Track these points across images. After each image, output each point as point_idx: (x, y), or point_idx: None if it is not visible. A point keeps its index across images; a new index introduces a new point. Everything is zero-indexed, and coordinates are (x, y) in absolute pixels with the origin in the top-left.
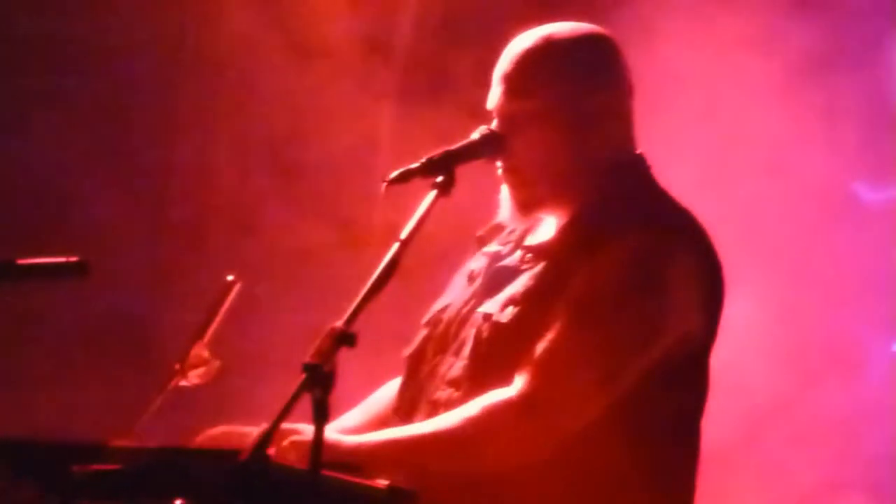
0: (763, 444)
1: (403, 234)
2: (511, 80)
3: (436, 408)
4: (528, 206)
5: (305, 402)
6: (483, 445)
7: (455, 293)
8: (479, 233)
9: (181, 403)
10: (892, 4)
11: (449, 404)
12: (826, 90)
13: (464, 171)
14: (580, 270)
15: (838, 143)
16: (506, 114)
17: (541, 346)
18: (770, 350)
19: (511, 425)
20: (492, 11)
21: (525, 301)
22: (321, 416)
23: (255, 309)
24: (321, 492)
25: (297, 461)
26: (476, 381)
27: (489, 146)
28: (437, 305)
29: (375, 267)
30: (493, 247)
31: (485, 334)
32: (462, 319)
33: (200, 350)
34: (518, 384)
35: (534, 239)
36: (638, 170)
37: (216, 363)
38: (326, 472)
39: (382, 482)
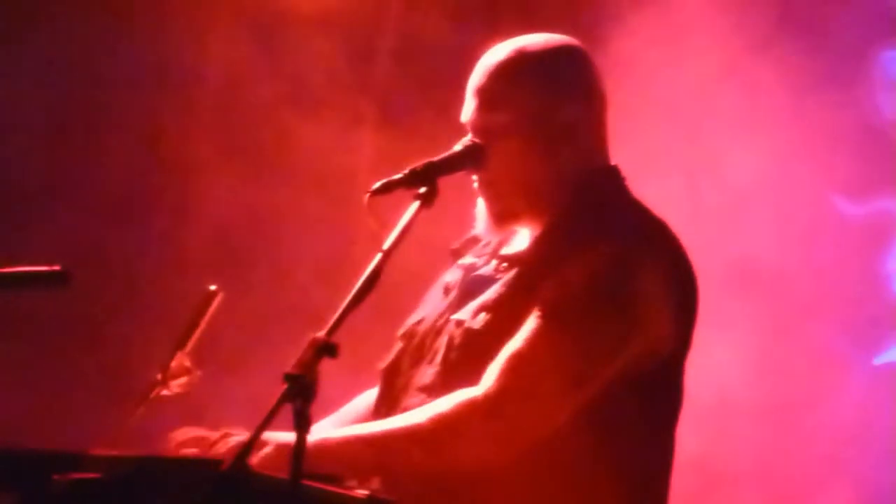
0: (745, 458)
1: (386, 245)
2: (484, 93)
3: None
4: (502, 218)
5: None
6: (447, 442)
7: (430, 306)
8: (454, 245)
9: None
10: (877, 19)
11: None
12: (808, 105)
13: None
14: (551, 277)
15: (819, 157)
16: (479, 127)
17: (508, 348)
18: (751, 364)
19: (476, 425)
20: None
21: (497, 307)
22: (302, 426)
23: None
24: (302, 501)
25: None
26: (448, 386)
27: (472, 158)
28: (413, 318)
29: (357, 277)
30: (468, 259)
31: (457, 340)
32: (437, 330)
33: (182, 360)
34: (483, 385)
35: (508, 249)
36: (611, 181)
37: (197, 373)
38: (307, 482)
39: (362, 492)
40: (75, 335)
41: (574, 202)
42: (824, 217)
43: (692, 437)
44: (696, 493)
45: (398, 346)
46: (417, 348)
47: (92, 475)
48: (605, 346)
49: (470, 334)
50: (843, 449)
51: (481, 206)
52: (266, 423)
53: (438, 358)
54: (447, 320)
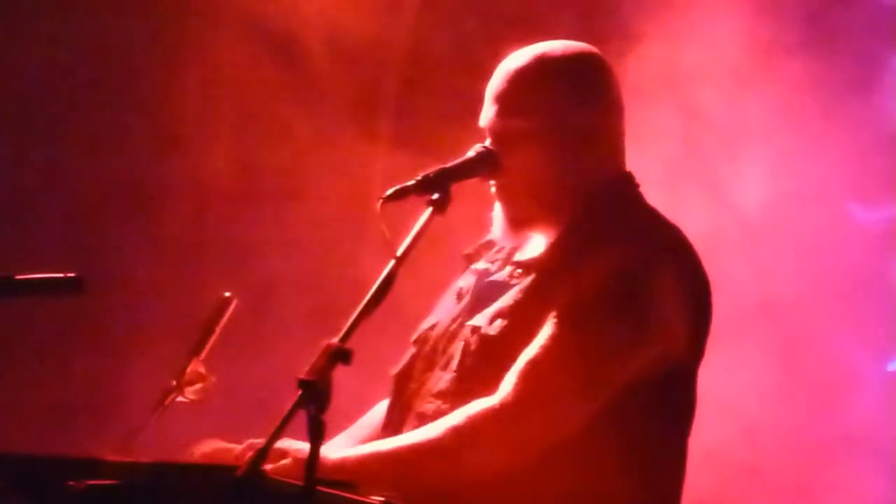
0: (759, 463)
1: (399, 252)
2: (503, 99)
3: (423, 420)
4: (519, 223)
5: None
6: (465, 453)
7: (443, 311)
8: (467, 251)
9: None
10: (890, 26)
11: (436, 416)
12: (821, 110)
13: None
14: (566, 283)
15: (833, 163)
16: (498, 133)
17: (524, 356)
18: (766, 371)
19: (492, 432)
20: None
21: (513, 314)
22: (316, 432)
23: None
24: None
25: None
26: (463, 392)
27: (484, 164)
28: (425, 324)
29: (371, 284)
30: (481, 264)
31: (473, 347)
32: (450, 335)
33: (196, 366)
34: (500, 393)
35: (523, 255)
36: (627, 188)
37: (212, 379)
38: (322, 489)
39: (378, 498)
40: (84, 339)
41: (590, 209)
42: (838, 223)
43: (706, 435)
44: (715, 491)
45: (411, 351)
46: (430, 353)
47: (108, 481)
48: (620, 351)
49: (486, 340)
50: (857, 455)
51: (498, 211)
52: (280, 430)
53: (454, 364)
54: (461, 325)
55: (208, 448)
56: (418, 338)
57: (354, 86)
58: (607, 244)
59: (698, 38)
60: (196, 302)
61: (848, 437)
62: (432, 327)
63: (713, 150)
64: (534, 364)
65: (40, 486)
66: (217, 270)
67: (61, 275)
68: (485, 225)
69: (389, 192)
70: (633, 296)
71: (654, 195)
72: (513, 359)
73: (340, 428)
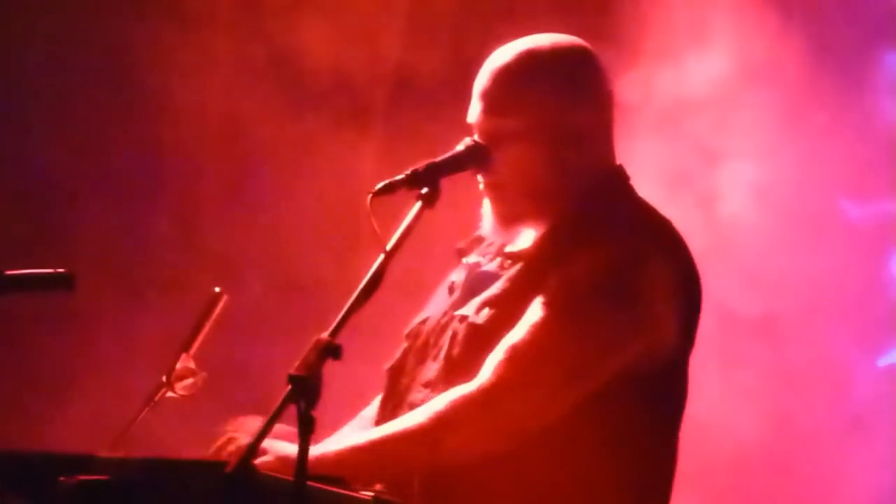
0: (749, 458)
1: (388, 246)
2: (491, 97)
3: (413, 410)
4: (509, 219)
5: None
6: (444, 437)
7: (435, 305)
8: (460, 245)
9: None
10: (880, 22)
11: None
12: (813, 106)
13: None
14: (555, 273)
15: (825, 159)
16: (486, 131)
17: (506, 341)
18: (757, 366)
19: (470, 416)
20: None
21: (500, 302)
22: (306, 428)
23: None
24: (306, 503)
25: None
26: (451, 381)
27: (474, 158)
28: (418, 318)
29: (361, 278)
30: (472, 258)
31: (460, 335)
32: (441, 328)
33: (187, 362)
34: (481, 377)
35: (513, 246)
36: (618, 182)
37: (202, 375)
38: (312, 484)
39: (367, 493)
40: (76, 337)
41: (581, 204)
42: (828, 220)
43: (694, 439)
44: (708, 484)
45: (403, 345)
46: (422, 347)
47: (98, 477)
48: (605, 342)
49: (473, 329)
50: (846, 450)
51: (487, 207)
52: (270, 425)
53: (442, 353)
54: (451, 317)
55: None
56: (410, 332)
57: (345, 86)
58: (598, 237)
59: (692, 33)
60: (186, 299)
61: (839, 431)
62: (424, 321)
63: (705, 147)
64: (513, 349)
65: (31, 481)
66: (207, 267)
67: (52, 271)
68: (477, 220)
69: (379, 186)
70: (623, 288)
71: (645, 195)
72: None
73: (332, 422)
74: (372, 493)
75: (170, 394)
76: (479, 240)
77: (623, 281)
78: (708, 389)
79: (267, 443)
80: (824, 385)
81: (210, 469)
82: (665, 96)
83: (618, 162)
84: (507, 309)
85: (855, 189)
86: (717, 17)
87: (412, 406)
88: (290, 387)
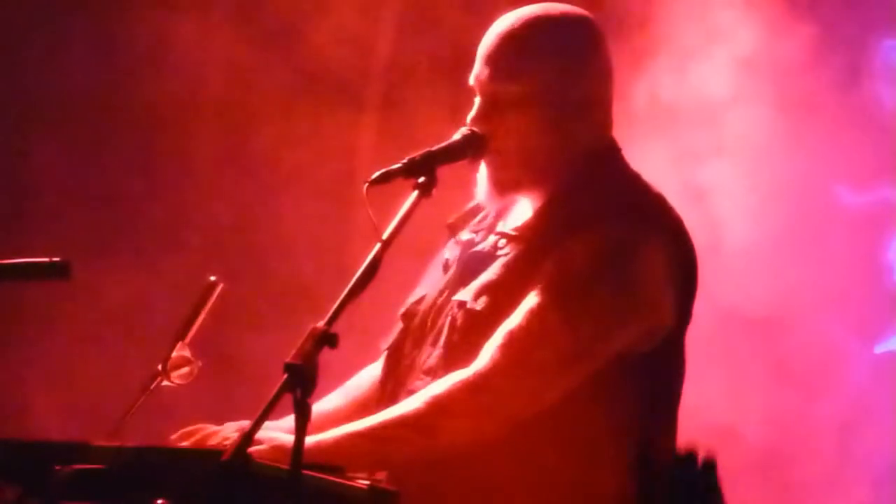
0: (747, 447)
1: (385, 235)
2: (498, 62)
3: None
4: (504, 186)
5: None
6: (441, 423)
7: (429, 284)
8: (450, 220)
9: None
10: (877, 8)
11: None
12: (808, 93)
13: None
14: (553, 255)
15: (820, 147)
16: (490, 95)
17: (504, 327)
18: (753, 354)
19: (468, 402)
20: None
21: (499, 289)
22: (302, 416)
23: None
24: (302, 491)
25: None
26: (450, 368)
27: (471, 147)
28: (413, 297)
29: (357, 267)
30: (465, 234)
31: (459, 322)
32: (437, 309)
33: (182, 350)
34: (478, 363)
35: (506, 225)
36: (613, 155)
37: (198, 364)
38: (307, 472)
39: (363, 482)
40: (75, 327)
41: (577, 176)
42: (825, 206)
43: (693, 427)
44: None
45: (399, 325)
46: (419, 328)
47: (94, 465)
48: (602, 325)
49: (472, 316)
50: (844, 438)
51: (483, 173)
52: (266, 414)
53: (441, 340)
54: (448, 299)
55: (192, 429)
56: (406, 312)
57: (341, 73)
58: (595, 218)
59: (681, 20)
60: (181, 287)
61: (836, 419)
62: (419, 301)
63: (699, 137)
64: (510, 335)
65: (27, 470)
66: (203, 255)
67: (47, 259)
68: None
69: (375, 175)
70: (621, 272)
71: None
72: None
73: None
74: (367, 482)
75: (165, 382)
76: (471, 214)
77: (619, 265)
78: (705, 378)
79: (263, 431)
80: (822, 372)
81: (206, 457)
82: (662, 88)
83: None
84: (505, 295)
85: (852, 176)
86: (716, 6)
87: (411, 393)
88: (286, 375)
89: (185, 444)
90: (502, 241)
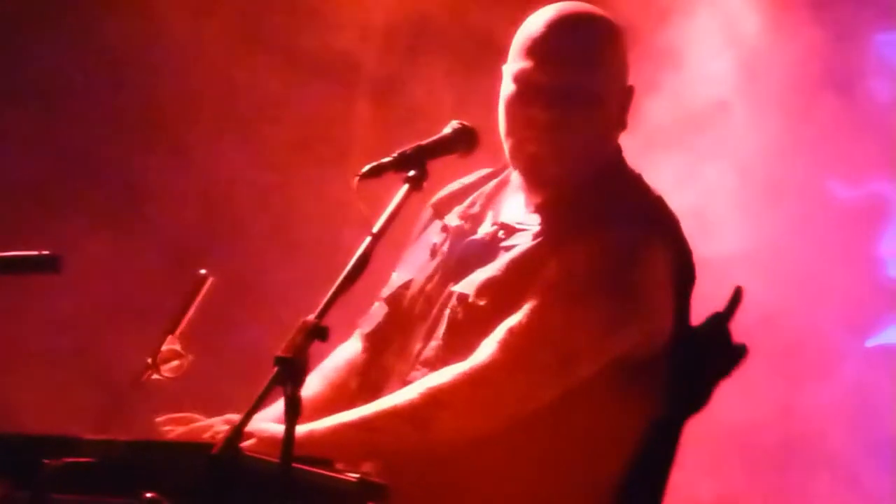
0: (736, 439)
1: (375, 228)
2: (563, 52)
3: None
4: (547, 180)
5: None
6: (435, 415)
7: (414, 267)
8: (433, 201)
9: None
10: (870, 3)
11: None
12: (801, 89)
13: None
14: (557, 256)
15: (813, 141)
16: (558, 85)
17: (505, 324)
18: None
19: (463, 394)
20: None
21: (502, 286)
22: (293, 410)
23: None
24: (292, 485)
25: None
26: (449, 362)
27: (462, 141)
28: (397, 280)
29: (348, 261)
30: (453, 220)
31: (460, 315)
32: (428, 296)
33: (172, 344)
34: (477, 358)
35: (503, 215)
36: (619, 157)
37: (188, 357)
38: (297, 465)
39: (353, 475)
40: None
41: (589, 176)
42: (818, 200)
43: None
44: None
45: (383, 309)
46: (407, 315)
47: (84, 459)
48: (601, 330)
49: (474, 310)
50: (835, 431)
51: (529, 165)
52: (256, 407)
53: (440, 332)
54: (438, 285)
55: (181, 421)
56: (392, 296)
57: (335, 62)
58: (600, 221)
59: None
60: (173, 280)
61: (827, 412)
62: (406, 286)
63: (691, 126)
64: (513, 332)
65: (16, 464)
66: (196, 250)
67: (37, 253)
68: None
69: (366, 168)
70: (623, 276)
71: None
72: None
73: None
74: (358, 475)
75: (156, 376)
76: (455, 198)
77: (624, 269)
78: None
79: (254, 423)
80: (813, 365)
81: (196, 451)
82: (653, 73)
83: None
84: (508, 292)
85: (845, 171)
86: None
87: (407, 384)
88: (276, 369)
89: (174, 433)
90: (502, 233)
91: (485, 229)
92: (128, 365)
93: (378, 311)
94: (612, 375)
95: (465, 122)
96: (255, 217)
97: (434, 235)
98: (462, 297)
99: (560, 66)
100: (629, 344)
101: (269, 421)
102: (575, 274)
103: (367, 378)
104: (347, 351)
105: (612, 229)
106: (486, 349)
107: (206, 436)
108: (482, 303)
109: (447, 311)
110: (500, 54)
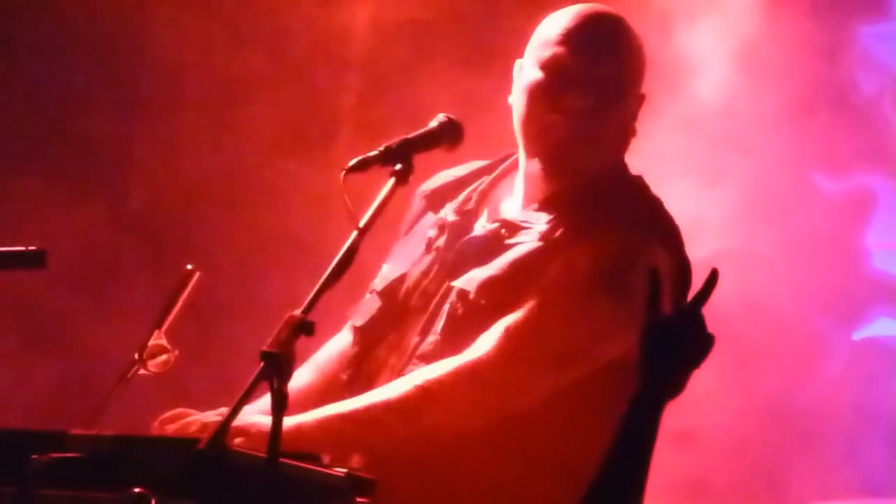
0: (723, 434)
1: (362, 223)
2: (596, 47)
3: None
4: (562, 173)
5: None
6: (427, 409)
7: (408, 261)
8: (426, 190)
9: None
10: None
11: None
12: (786, 80)
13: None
14: (558, 257)
15: (797, 133)
16: (590, 79)
17: (503, 321)
18: (729, 343)
19: (456, 388)
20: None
21: (504, 285)
22: (279, 404)
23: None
24: (279, 479)
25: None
26: (447, 357)
27: (448, 135)
28: (390, 273)
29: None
30: (449, 214)
31: (459, 311)
32: (425, 291)
33: (158, 339)
34: (473, 353)
35: (507, 213)
36: (622, 159)
37: (174, 352)
38: (284, 460)
39: (341, 469)
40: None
41: (587, 177)
42: (802, 192)
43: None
44: (672, 468)
45: (377, 302)
46: (402, 308)
47: (71, 454)
48: (597, 332)
49: (474, 307)
50: (823, 425)
51: (543, 153)
52: (243, 402)
53: (438, 327)
54: (436, 280)
55: (172, 414)
56: (386, 289)
57: (319, 67)
58: (602, 224)
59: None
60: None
61: (813, 406)
62: (401, 279)
63: (675, 116)
64: (510, 329)
65: (3, 459)
66: (181, 243)
67: (23, 248)
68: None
69: (352, 163)
70: (623, 280)
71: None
72: None
73: None
74: (345, 470)
75: (142, 371)
76: (449, 190)
77: (624, 273)
78: None
79: (242, 416)
80: (799, 358)
81: (182, 446)
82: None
83: None
84: (509, 291)
85: (830, 163)
86: None
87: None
88: (262, 363)
89: (166, 428)
90: (503, 230)
91: (482, 225)
92: (111, 359)
93: (371, 303)
94: (605, 376)
95: (452, 116)
96: (241, 211)
97: (428, 229)
98: (462, 294)
99: (597, 55)
100: (624, 345)
101: (258, 413)
102: (575, 279)
103: (359, 371)
104: (339, 343)
105: (614, 233)
106: (483, 345)
107: (193, 430)
108: (483, 301)
109: (446, 307)
110: (489, 50)
